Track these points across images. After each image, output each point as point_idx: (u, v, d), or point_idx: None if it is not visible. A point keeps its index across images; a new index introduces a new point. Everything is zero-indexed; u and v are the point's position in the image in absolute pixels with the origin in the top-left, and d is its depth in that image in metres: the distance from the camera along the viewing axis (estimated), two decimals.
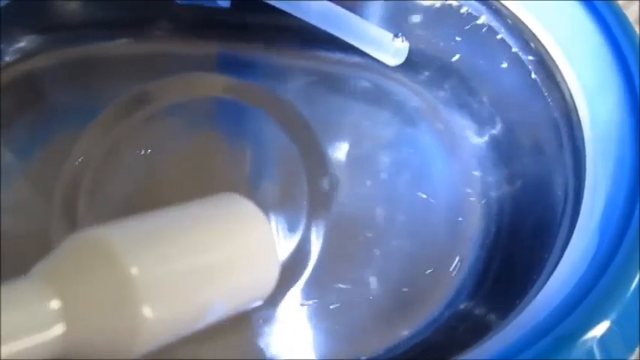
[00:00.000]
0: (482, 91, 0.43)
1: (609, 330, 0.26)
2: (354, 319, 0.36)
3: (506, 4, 0.40)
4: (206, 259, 0.30)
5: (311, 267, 0.37)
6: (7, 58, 0.42)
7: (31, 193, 0.39)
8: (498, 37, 0.41)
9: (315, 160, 0.41)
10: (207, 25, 0.45)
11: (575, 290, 0.28)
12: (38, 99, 0.42)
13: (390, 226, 0.39)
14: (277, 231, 0.38)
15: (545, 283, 0.30)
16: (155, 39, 0.45)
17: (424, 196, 0.40)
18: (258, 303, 0.33)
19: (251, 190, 0.39)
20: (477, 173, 0.41)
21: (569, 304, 0.28)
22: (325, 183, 0.40)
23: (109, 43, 0.44)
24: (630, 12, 0.47)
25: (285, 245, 0.37)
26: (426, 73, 0.44)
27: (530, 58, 0.39)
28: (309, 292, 0.36)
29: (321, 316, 0.36)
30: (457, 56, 0.43)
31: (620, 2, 0.38)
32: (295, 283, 0.36)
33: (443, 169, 0.42)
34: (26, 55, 0.43)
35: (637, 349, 0.27)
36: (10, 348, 0.24)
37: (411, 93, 0.44)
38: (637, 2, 0.49)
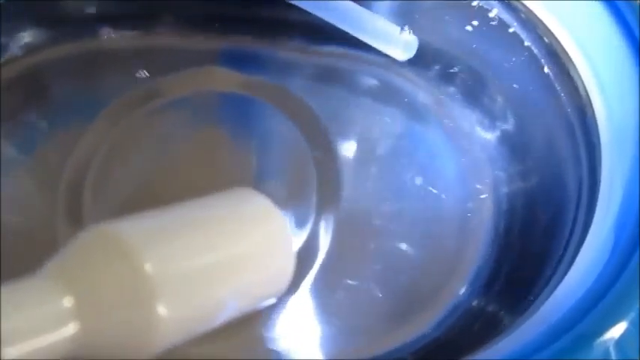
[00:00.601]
0: (493, 86, 0.42)
1: (627, 331, 0.26)
2: (363, 316, 0.36)
3: None
4: (221, 256, 0.29)
5: (319, 263, 0.37)
6: (12, 53, 0.42)
7: (35, 188, 0.38)
8: (510, 30, 0.40)
9: (324, 156, 0.40)
10: (213, 19, 0.45)
11: (591, 290, 0.28)
12: (43, 94, 0.42)
13: (400, 222, 0.39)
14: None
15: (559, 281, 0.30)
16: (160, 33, 0.44)
17: (434, 190, 0.40)
18: (272, 301, 0.33)
19: (258, 186, 0.38)
20: (487, 169, 0.41)
21: (585, 304, 0.27)
22: (334, 178, 0.39)
23: (113, 37, 0.44)
24: None
25: (293, 241, 0.37)
26: (436, 68, 0.44)
27: (543, 51, 0.39)
28: (317, 288, 0.36)
29: (330, 312, 0.35)
30: (468, 51, 0.43)
31: None
32: (304, 279, 0.36)
33: (452, 165, 0.41)
34: (30, 49, 0.43)
35: None
36: (21, 347, 0.23)
37: (421, 88, 0.44)
38: None
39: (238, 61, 0.44)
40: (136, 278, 0.26)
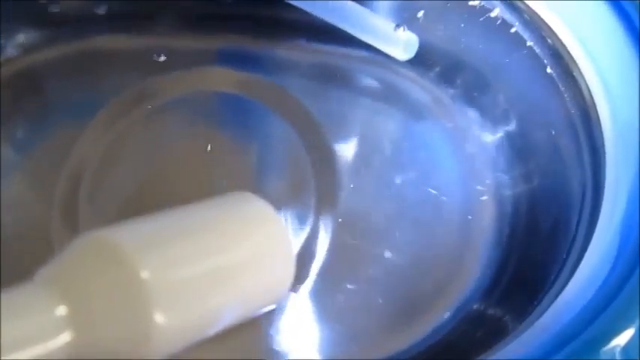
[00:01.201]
0: (495, 87, 0.42)
1: (634, 337, 0.25)
2: (362, 320, 0.35)
3: None
4: (220, 262, 0.29)
5: (318, 266, 0.36)
6: (7, 53, 0.42)
7: (31, 189, 0.38)
8: (512, 30, 0.40)
9: (322, 157, 0.40)
10: (211, 18, 0.45)
11: (598, 295, 0.28)
12: (39, 94, 0.42)
13: (400, 224, 0.38)
14: None
15: (564, 286, 0.29)
16: (158, 33, 0.44)
17: (434, 192, 0.39)
18: (272, 307, 0.33)
19: (256, 188, 0.38)
20: (489, 171, 0.41)
21: (592, 310, 0.27)
22: (332, 180, 0.39)
23: (110, 37, 0.44)
24: None
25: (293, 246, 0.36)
26: (437, 69, 0.43)
27: (546, 52, 0.39)
28: (316, 292, 0.36)
29: (329, 316, 0.35)
30: (469, 51, 0.42)
31: None
32: (302, 282, 0.36)
33: (453, 167, 0.41)
34: (26, 49, 0.42)
35: None
36: (10, 357, 0.23)
37: (421, 89, 0.43)
38: None
39: (237, 60, 0.43)
40: (132, 286, 0.25)
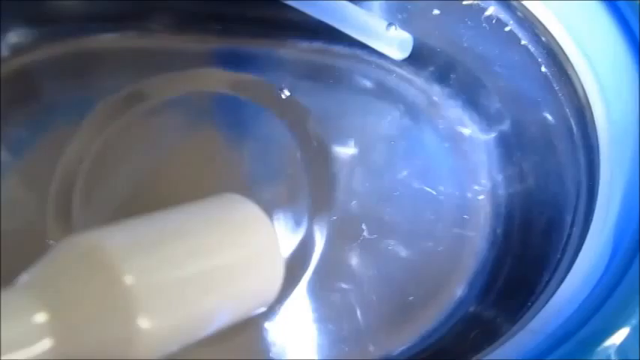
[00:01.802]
0: (490, 86, 0.42)
1: (628, 337, 0.25)
2: (357, 320, 0.35)
3: None
4: (207, 265, 0.29)
5: (313, 267, 0.36)
6: (1, 53, 0.42)
7: (26, 190, 0.38)
8: (507, 29, 0.40)
9: (317, 157, 0.40)
10: (207, 18, 0.44)
11: (592, 295, 0.28)
12: (33, 94, 0.42)
13: (394, 224, 0.38)
14: (279, 229, 0.37)
15: (558, 286, 0.29)
16: (152, 33, 0.44)
17: (430, 191, 0.39)
18: (262, 309, 0.32)
19: (251, 189, 0.38)
20: (484, 171, 0.41)
21: (586, 310, 0.27)
22: (327, 180, 0.39)
23: (105, 37, 0.43)
24: None
25: (286, 245, 0.37)
26: (432, 68, 0.43)
27: (541, 50, 0.39)
28: (311, 292, 0.36)
29: (324, 317, 0.35)
30: (463, 50, 0.42)
31: None
32: (298, 283, 0.36)
33: (449, 166, 0.41)
34: (20, 50, 0.42)
35: None
36: None
37: (416, 88, 0.43)
38: None
39: (232, 61, 0.43)
40: (116, 291, 0.25)
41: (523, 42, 0.39)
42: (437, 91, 0.43)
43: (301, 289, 0.36)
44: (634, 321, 0.26)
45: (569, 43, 0.37)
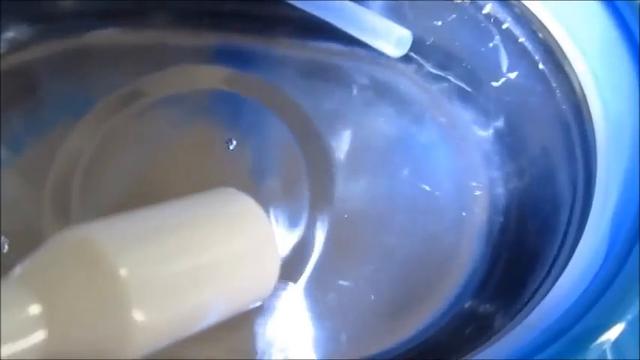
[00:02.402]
0: (488, 83, 0.42)
1: (624, 332, 0.25)
2: (356, 317, 0.35)
3: None
4: (201, 259, 0.29)
5: (312, 263, 0.36)
6: (0, 50, 0.42)
7: (23, 187, 0.38)
8: (504, 26, 0.40)
9: (317, 154, 0.40)
10: (205, 15, 0.44)
11: (588, 291, 0.28)
12: (31, 91, 0.42)
13: (393, 221, 0.38)
14: (278, 226, 0.37)
15: (554, 282, 0.29)
16: (151, 30, 0.44)
17: (428, 188, 0.39)
18: (257, 304, 0.32)
19: (250, 185, 0.38)
20: (482, 167, 0.40)
21: (582, 306, 0.27)
22: (327, 177, 0.39)
23: (103, 33, 0.43)
24: None
25: (286, 241, 0.37)
26: (429, 65, 0.43)
27: (538, 47, 0.39)
28: (310, 288, 0.36)
29: (322, 313, 0.35)
30: (461, 47, 0.42)
31: None
32: (297, 279, 0.36)
33: (446, 163, 0.41)
34: (18, 46, 0.42)
35: None
36: None
37: (414, 85, 0.43)
38: None
39: (230, 58, 0.43)
40: (110, 283, 0.25)
41: (520, 39, 0.39)
42: (435, 88, 0.43)
43: (300, 285, 0.36)
44: (629, 316, 0.26)
45: (566, 40, 0.37)
